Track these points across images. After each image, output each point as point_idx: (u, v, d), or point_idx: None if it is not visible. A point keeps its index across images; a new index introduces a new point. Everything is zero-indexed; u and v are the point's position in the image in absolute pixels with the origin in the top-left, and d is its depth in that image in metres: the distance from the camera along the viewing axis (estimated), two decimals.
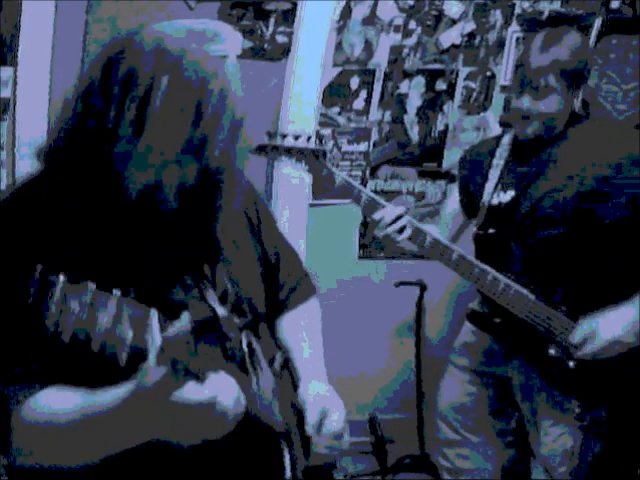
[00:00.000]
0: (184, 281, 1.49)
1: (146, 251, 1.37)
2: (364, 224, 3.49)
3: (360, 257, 3.55)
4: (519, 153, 2.57)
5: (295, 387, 1.73)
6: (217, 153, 1.37)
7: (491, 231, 2.56)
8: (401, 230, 2.43)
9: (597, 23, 3.28)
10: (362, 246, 3.54)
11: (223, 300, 1.55)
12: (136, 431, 1.25)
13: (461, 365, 2.83)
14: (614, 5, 3.28)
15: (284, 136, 2.42)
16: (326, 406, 1.68)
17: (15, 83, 2.76)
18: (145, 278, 1.34)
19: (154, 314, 1.19)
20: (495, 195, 2.57)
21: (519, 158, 2.57)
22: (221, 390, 1.26)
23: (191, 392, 1.20)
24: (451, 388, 2.86)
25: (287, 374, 1.75)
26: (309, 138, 2.43)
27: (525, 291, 2.45)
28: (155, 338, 1.16)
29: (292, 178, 3.32)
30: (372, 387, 3.63)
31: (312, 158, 2.43)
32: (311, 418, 1.66)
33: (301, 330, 1.83)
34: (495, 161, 2.61)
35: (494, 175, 2.59)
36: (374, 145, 3.39)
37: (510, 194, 2.55)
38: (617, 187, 2.41)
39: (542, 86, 2.39)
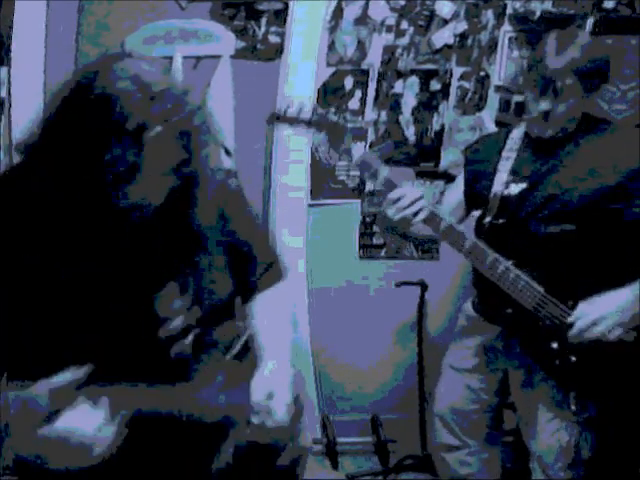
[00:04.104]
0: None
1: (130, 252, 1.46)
2: (364, 224, 3.52)
3: (360, 257, 3.55)
4: (534, 147, 2.55)
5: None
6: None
7: (502, 221, 2.54)
8: (416, 213, 2.37)
9: (589, 23, 3.29)
10: (362, 246, 3.54)
11: (183, 289, 1.62)
12: None
13: (458, 366, 2.82)
14: (608, 5, 3.29)
15: (302, 107, 2.35)
16: (274, 389, 1.70)
17: (9, 83, 2.80)
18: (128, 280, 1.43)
19: None
20: (507, 186, 2.55)
21: (534, 152, 2.55)
22: (80, 421, 1.37)
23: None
24: (449, 390, 2.83)
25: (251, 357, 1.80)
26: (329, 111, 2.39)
27: (534, 283, 2.43)
28: None
29: (291, 178, 3.36)
30: (374, 387, 3.64)
31: (333, 129, 2.38)
32: (256, 398, 1.69)
33: (269, 313, 1.86)
34: (505, 153, 2.59)
35: (506, 167, 2.57)
36: (371, 145, 3.40)
37: (522, 186, 2.53)
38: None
39: (561, 88, 2.38)
